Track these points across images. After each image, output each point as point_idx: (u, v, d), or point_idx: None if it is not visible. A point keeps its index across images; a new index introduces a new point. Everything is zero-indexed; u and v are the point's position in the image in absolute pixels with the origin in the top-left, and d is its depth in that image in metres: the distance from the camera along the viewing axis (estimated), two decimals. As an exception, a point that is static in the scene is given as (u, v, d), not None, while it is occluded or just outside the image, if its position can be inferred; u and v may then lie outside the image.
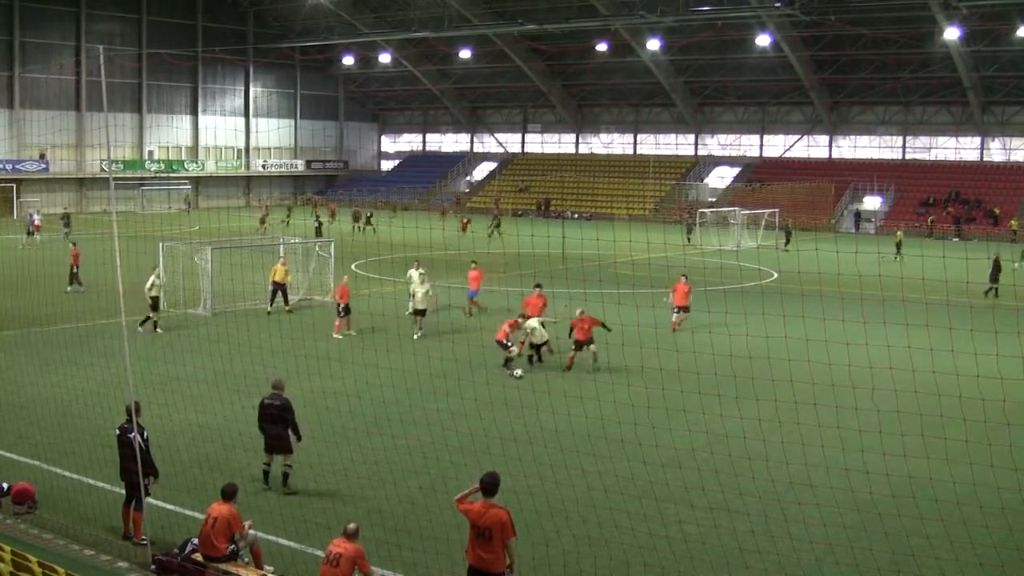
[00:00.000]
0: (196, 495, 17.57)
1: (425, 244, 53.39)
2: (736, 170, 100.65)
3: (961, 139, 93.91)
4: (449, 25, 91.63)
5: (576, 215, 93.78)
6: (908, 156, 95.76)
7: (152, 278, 33.52)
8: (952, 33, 76.94)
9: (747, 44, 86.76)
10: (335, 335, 33.32)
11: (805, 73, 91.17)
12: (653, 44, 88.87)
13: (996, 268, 45.14)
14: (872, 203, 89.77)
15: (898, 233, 64.33)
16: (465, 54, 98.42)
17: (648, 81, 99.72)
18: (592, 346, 28.71)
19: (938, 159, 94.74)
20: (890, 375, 21.46)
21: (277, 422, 18.14)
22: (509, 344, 28.29)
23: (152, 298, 33.40)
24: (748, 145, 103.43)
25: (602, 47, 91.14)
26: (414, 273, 36.01)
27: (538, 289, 31.81)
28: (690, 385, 23.13)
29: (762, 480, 18.13)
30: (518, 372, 27.63)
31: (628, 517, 16.97)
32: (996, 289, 44.56)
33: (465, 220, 77.63)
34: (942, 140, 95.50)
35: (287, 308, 37.70)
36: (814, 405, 21.09)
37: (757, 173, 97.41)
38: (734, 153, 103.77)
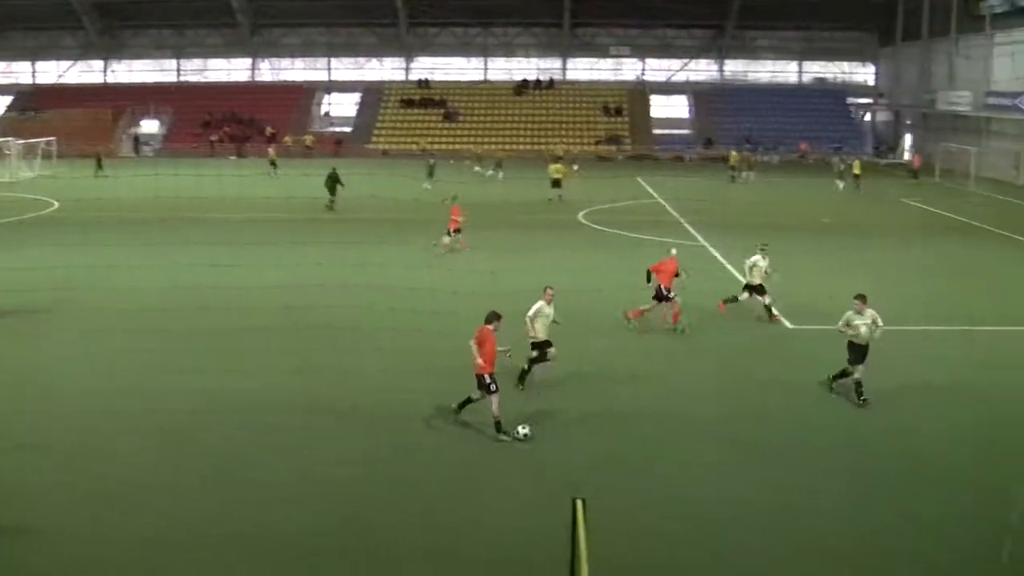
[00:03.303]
0: None
1: None
2: (9, 99, 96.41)
3: (233, 60, 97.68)
4: None
5: None
6: (183, 79, 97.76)
7: None
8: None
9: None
10: None
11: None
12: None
13: (333, 180, 48.61)
14: (150, 126, 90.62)
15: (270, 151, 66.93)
16: None
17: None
18: None
19: (212, 80, 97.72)
20: (190, 295, 22.95)
21: None
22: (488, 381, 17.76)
23: None
24: (20, 72, 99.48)
25: None
26: None
27: None
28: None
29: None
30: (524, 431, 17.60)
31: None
32: (333, 202, 48.34)
33: None
34: (215, 62, 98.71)
35: None
36: (111, 331, 21.95)
37: (31, 101, 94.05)
38: (6, 81, 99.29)
